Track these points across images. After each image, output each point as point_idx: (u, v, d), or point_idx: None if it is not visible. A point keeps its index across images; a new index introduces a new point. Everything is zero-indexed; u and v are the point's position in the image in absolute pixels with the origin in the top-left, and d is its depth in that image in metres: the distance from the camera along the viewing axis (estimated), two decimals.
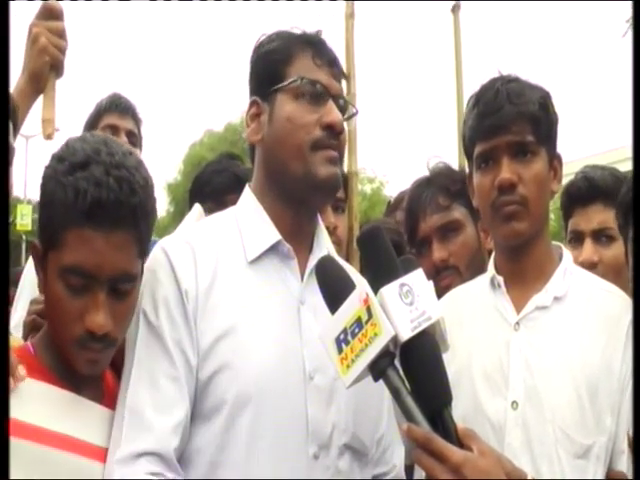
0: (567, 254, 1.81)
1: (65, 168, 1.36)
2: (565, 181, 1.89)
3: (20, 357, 1.39)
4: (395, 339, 1.27)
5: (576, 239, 2.36)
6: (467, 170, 1.90)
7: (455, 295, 1.90)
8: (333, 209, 2.41)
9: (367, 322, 1.27)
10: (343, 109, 1.61)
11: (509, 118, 1.68)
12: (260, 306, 1.49)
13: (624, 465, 1.61)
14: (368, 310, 1.27)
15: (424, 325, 1.29)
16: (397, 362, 1.31)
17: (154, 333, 1.44)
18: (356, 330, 1.28)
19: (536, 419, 1.62)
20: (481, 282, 1.84)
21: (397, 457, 1.67)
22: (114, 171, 1.35)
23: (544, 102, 1.74)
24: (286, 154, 1.54)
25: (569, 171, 1.86)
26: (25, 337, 1.73)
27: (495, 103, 1.70)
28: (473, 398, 1.67)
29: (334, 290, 1.36)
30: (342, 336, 1.29)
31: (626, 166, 2.15)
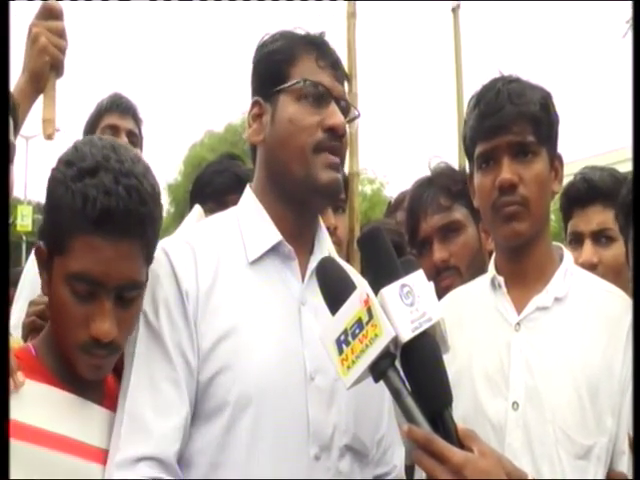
0: (568, 255, 1.81)
1: (74, 173, 1.35)
2: (564, 182, 1.89)
3: (21, 358, 1.38)
4: (396, 340, 1.26)
5: (576, 240, 2.36)
6: (468, 170, 1.90)
7: (456, 296, 1.90)
8: (333, 209, 2.41)
9: (368, 323, 1.27)
10: (345, 111, 1.61)
11: (510, 118, 1.68)
12: (261, 307, 1.49)
13: (625, 466, 1.61)
14: (369, 311, 1.27)
15: (425, 326, 1.29)
16: (398, 363, 1.31)
17: (154, 335, 1.44)
18: (357, 331, 1.28)
19: (537, 420, 1.62)
20: (482, 283, 1.84)
21: (398, 458, 1.67)
22: (124, 179, 1.34)
23: (545, 102, 1.74)
24: (288, 156, 1.54)
25: (569, 172, 1.86)
26: (24, 338, 1.73)
27: (496, 103, 1.70)
28: (474, 399, 1.67)
29: (335, 291, 1.36)
30: (343, 337, 1.29)
31: (626, 167, 2.15)
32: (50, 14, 1.65)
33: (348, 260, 2.32)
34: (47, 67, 1.64)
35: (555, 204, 2.07)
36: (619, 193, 1.78)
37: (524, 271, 1.74)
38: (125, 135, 2.86)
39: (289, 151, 1.54)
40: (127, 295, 1.39)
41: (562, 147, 1.80)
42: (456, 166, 2.46)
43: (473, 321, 1.77)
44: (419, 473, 1.68)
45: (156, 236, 1.44)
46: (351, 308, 1.29)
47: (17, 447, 1.27)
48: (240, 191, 1.68)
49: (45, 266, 1.42)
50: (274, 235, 1.55)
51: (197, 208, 2.39)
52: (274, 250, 1.54)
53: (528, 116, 1.69)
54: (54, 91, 1.66)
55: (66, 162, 1.39)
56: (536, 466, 1.59)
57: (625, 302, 1.70)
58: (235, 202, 1.68)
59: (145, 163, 1.44)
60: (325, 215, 2.23)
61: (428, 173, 2.34)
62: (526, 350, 1.67)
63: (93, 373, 1.41)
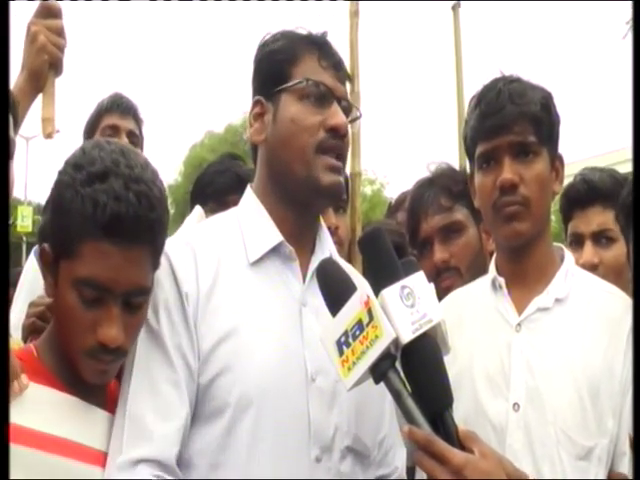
0: (569, 255, 1.81)
1: (83, 177, 1.34)
2: (564, 183, 1.89)
3: (23, 360, 1.37)
4: (396, 341, 1.26)
5: (576, 242, 2.36)
6: (468, 170, 1.90)
7: (456, 297, 1.89)
8: (334, 209, 2.41)
9: (368, 324, 1.27)
10: (347, 111, 1.61)
11: (511, 118, 1.68)
12: (262, 308, 1.49)
13: (625, 467, 1.61)
14: (369, 312, 1.27)
15: (425, 327, 1.29)
16: (398, 364, 1.31)
17: (154, 337, 1.43)
18: (357, 332, 1.27)
19: (537, 421, 1.62)
20: (482, 283, 1.83)
21: (399, 459, 1.66)
22: (133, 185, 1.33)
23: (546, 102, 1.74)
24: (289, 156, 1.54)
25: (568, 173, 1.85)
26: (25, 340, 1.72)
27: (497, 103, 1.70)
28: (474, 400, 1.67)
29: (335, 292, 1.35)
30: (343, 338, 1.29)
31: (626, 168, 2.15)
32: (49, 13, 1.65)
33: (350, 260, 2.32)
34: (46, 66, 1.63)
35: (555, 205, 2.06)
36: (619, 194, 1.78)
37: (525, 272, 1.74)
38: (125, 135, 2.85)
39: (291, 151, 1.54)
40: (134, 301, 1.38)
41: (562, 148, 1.80)
42: (457, 166, 2.46)
43: (474, 322, 1.77)
44: (420, 474, 1.67)
45: (164, 241, 1.44)
46: (351, 309, 1.29)
47: (17, 451, 1.26)
48: (241, 191, 1.67)
49: (50, 269, 1.41)
50: (275, 236, 1.54)
51: (198, 209, 2.38)
52: (275, 251, 1.54)
53: (529, 116, 1.69)
54: (53, 90, 1.66)
55: (74, 165, 1.38)
56: (537, 467, 1.59)
57: (626, 303, 1.70)
58: (236, 202, 1.67)
59: (153, 168, 1.43)
60: (326, 215, 2.23)
61: (428, 174, 2.34)
62: (527, 351, 1.67)
63: (98, 378, 1.41)
